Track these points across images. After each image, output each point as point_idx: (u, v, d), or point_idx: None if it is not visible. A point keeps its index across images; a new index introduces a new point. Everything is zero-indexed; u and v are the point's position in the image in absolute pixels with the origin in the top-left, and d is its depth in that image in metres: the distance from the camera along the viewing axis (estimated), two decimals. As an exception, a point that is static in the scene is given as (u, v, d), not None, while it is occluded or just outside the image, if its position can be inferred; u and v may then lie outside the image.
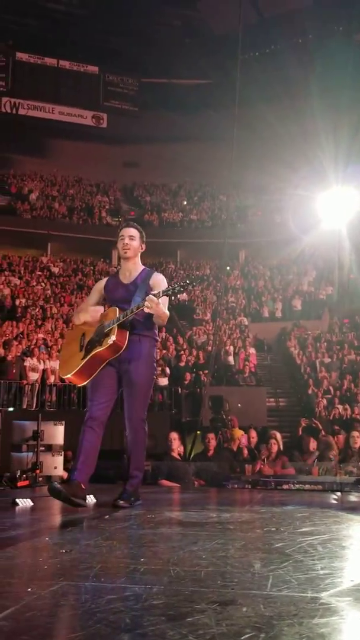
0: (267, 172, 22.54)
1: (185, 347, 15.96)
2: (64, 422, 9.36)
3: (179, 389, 13.62)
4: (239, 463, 9.22)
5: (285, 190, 23.60)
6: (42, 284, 20.90)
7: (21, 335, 15.18)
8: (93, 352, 3.60)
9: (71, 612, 1.48)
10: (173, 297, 3.50)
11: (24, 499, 3.87)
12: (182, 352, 15.26)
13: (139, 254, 3.95)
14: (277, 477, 7.13)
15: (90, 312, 3.83)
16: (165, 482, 7.65)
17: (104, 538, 2.72)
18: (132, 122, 26.99)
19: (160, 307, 3.48)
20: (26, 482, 8.07)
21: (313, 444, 8.30)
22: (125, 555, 2.37)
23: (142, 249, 3.95)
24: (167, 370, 13.89)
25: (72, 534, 2.84)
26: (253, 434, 9.56)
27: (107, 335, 3.61)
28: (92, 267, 23.20)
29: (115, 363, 3.70)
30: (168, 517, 3.54)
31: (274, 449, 7.85)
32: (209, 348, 15.80)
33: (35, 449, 8.66)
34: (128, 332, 3.66)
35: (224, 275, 16.22)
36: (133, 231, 3.92)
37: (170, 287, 3.48)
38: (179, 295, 3.54)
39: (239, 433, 10.01)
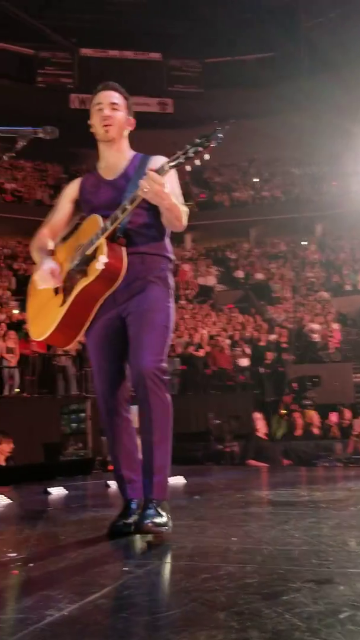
0: (339, 142, 21.75)
1: (265, 326, 15.81)
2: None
3: (261, 369, 13.51)
4: (329, 441, 9.07)
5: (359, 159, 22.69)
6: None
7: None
8: (77, 290, 2.34)
9: (166, 591, 1.50)
10: (189, 164, 2.16)
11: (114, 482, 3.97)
12: (262, 331, 15.13)
13: (126, 135, 2.55)
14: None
15: (44, 242, 2.52)
16: (252, 462, 7.63)
17: (195, 518, 2.75)
18: (198, 104, 26.75)
19: (167, 192, 2.21)
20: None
21: None
22: (217, 534, 2.38)
23: (129, 125, 2.54)
24: (248, 350, 13.81)
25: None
26: (347, 414, 9.35)
27: (93, 258, 2.32)
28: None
29: (113, 300, 2.38)
30: (258, 496, 3.53)
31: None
32: (290, 326, 15.55)
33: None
34: (125, 250, 2.35)
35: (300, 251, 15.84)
36: (115, 96, 2.48)
37: (179, 152, 2.16)
38: (196, 160, 2.15)
39: (312, 415, 9.83)
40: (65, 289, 2.42)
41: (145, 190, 2.17)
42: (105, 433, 2.51)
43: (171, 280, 2.48)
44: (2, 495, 3.75)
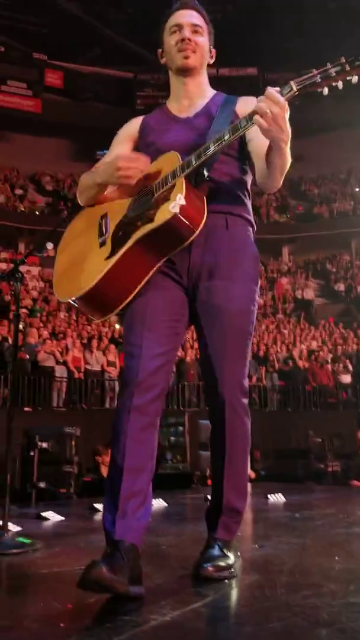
0: None
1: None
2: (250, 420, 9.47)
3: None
4: None
5: None
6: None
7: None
8: (135, 237, 1.74)
9: (267, 604, 1.50)
10: (326, 85, 1.59)
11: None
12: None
13: (205, 66, 2.03)
14: None
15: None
16: (356, 483, 7.37)
17: (296, 536, 2.71)
18: (298, 115, 26.47)
19: (286, 122, 1.62)
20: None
21: None
22: (319, 553, 2.34)
23: (211, 56, 2.03)
24: (350, 366, 13.37)
25: (263, 530, 2.87)
26: None
27: (164, 199, 1.73)
28: (263, 266, 23.25)
29: (179, 269, 1.85)
30: (361, 516, 3.41)
31: None
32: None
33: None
34: (205, 200, 1.79)
35: None
36: (196, 16, 1.96)
37: (315, 70, 1.60)
38: (338, 81, 1.57)
39: None
40: (115, 239, 1.80)
41: (264, 112, 1.57)
42: (113, 432, 1.75)
43: (258, 264, 1.97)
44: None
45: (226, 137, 1.70)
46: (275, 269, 21.93)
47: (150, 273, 1.78)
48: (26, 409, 9.33)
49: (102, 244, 1.84)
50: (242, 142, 1.90)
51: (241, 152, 1.92)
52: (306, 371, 12.71)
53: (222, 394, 1.81)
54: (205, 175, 1.80)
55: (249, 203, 2.00)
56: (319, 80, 1.57)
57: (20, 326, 10.42)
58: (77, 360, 10.81)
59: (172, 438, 9.12)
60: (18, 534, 2.86)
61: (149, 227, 1.71)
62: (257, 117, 1.59)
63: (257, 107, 1.59)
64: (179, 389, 11.23)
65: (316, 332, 15.91)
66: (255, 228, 2.00)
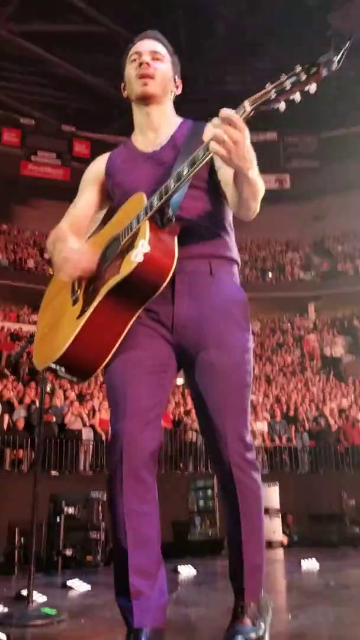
0: None
1: None
2: (277, 484, 9.22)
3: None
4: None
5: None
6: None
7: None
8: (102, 293, 1.60)
9: None
10: (283, 98, 1.39)
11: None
12: None
13: (169, 95, 1.86)
14: None
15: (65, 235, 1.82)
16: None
17: (331, 605, 2.58)
18: (315, 176, 27.12)
19: (249, 147, 1.48)
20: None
21: None
22: (355, 623, 2.21)
23: (176, 86, 1.88)
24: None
25: (297, 599, 2.75)
26: None
27: (128, 248, 1.61)
28: (290, 324, 23.22)
29: (163, 321, 1.71)
30: None
31: None
32: None
33: (253, 512, 8.63)
34: (176, 241, 1.63)
35: None
36: (157, 46, 1.83)
37: (269, 84, 1.40)
38: (293, 94, 1.39)
39: None
40: (85, 297, 1.69)
41: (221, 139, 1.40)
42: (110, 506, 1.65)
43: (247, 309, 1.78)
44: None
45: (184, 172, 1.52)
46: (302, 327, 21.87)
47: (128, 326, 1.64)
48: (53, 472, 9.25)
49: (75, 302, 1.73)
50: (211, 171, 1.73)
51: (211, 182, 1.74)
52: (337, 431, 12.41)
53: (226, 453, 1.66)
54: (170, 215, 1.61)
55: (230, 238, 1.83)
56: (274, 95, 1.38)
57: (47, 388, 10.47)
58: (105, 422, 10.75)
59: (201, 502, 8.90)
60: (43, 604, 2.78)
61: (115, 279, 1.57)
62: (213, 144, 1.43)
63: (213, 134, 1.42)
64: (205, 450, 11.02)
65: (346, 389, 15.62)
66: (240, 263, 1.86)
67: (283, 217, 26.81)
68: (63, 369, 1.67)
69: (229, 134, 1.41)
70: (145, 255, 1.52)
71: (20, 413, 9.93)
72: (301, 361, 18.48)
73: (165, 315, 1.70)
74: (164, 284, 1.58)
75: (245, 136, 1.43)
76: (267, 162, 27.97)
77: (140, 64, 1.78)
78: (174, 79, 1.86)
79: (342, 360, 19.03)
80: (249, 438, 1.70)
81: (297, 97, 1.37)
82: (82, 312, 1.64)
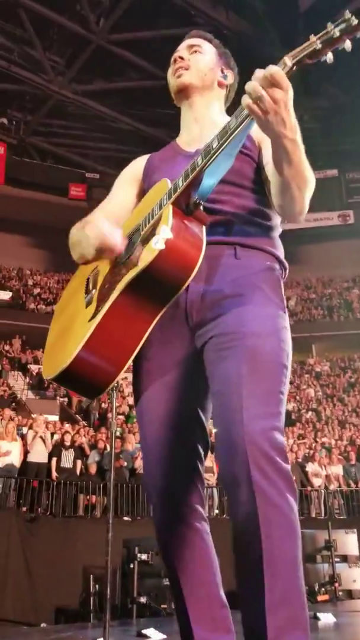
0: None
1: None
2: (355, 531, 8.81)
3: None
4: None
5: None
6: (312, 386, 20.90)
7: (299, 440, 15.18)
8: (117, 291, 1.35)
9: None
10: (330, 48, 1.15)
11: (326, 614, 3.69)
12: None
13: (215, 86, 1.67)
14: None
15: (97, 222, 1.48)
16: None
17: None
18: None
19: (290, 110, 1.20)
20: (326, 597, 7.67)
21: None
22: None
23: (222, 75, 1.69)
24: None
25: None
26: None
27: (150, 236, 1.36)
28: (360, 362, 22.60)
29: (182, 316, 1.46)
30: None
31: None
32: None
33: (330, 560, 8.26)
34: (204, 231, 1.36)
35: None
36: (196, 40, 1.69)
37: (313, 36, 1.17)
38: (341, 42, 1.14)
39: None
40: (100, 297, 1.42)
41: (258, 94, 1.16)
42: (163, 558, 1.47)
43: (282, 290, 1.48)
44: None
45: (214, 145, 1.29)
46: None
47: (149, 330, 1.35)
48: (125, 518, 9.24)
49: (88, 304, 1.46)
50: (258, 169, 1.51)
51: (257, 182, 1.51)
52: None
53: (240, 450, 1.20)
54: (196, 199, 1.34)
55: (274, 237, 1.54)
56: (320, 46, 1.15)
57: (118, 433, 10.57)
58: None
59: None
60: (119, 653, 2.76)
61: (134, 271, 1.31)
62: (248, 101, 1.18)
63: (249, 87, 1.18)
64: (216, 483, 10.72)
65: None
66: (287, 270, 1.54)
67: (349, 252, 26.48)
68: (69, 383, 1.43)
69: (269, 90, 1.16)
70: (167, 242, 1.28)
71: (94, 457, 10.03)
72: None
73: (185, 304, 1.44)
74: (189, 280, 1.30)
75: (288, 96, 1.18)
76: (330, 199, 27.91)
77: (175, 60, 1.66)
78: (221, 69, 1.69)
79: None
80: (280, 437, 1.25)
81: (347, 45, 1.14)
82: (96, 313, 1.38)
